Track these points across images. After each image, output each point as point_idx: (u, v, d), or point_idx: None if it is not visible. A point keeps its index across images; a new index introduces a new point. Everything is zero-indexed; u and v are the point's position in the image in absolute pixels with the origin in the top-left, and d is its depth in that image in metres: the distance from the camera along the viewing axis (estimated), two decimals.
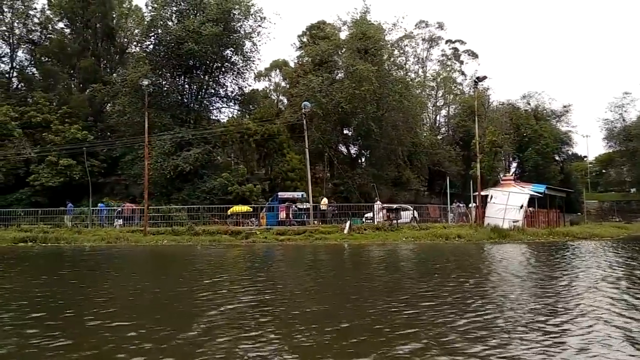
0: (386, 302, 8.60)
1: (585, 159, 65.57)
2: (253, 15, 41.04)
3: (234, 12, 40.02)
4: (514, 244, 23.67)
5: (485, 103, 46.99)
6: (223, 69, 42.08)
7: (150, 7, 40.40)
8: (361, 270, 14.37)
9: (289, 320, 7.24)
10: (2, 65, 41.37)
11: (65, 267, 15.89)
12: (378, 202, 30.43)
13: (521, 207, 29.55)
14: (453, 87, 57.52)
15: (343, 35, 42.08)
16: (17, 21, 41.05)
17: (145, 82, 29.54)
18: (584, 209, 46.71)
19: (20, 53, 41.61)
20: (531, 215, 31.61)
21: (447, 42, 59.36)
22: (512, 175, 52.53)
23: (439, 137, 53.43)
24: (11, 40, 40.78)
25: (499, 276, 12.22)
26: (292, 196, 30.81)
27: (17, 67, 41.97)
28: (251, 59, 42.34)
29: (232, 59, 41.88)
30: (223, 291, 9.96)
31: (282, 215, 28.78)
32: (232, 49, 41.00)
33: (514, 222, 28.32)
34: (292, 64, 49.98)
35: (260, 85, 57.72)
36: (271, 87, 58.40)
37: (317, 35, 43.42)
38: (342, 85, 37.30)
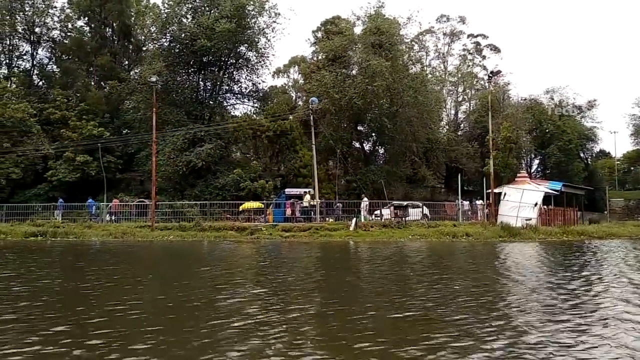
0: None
1: (609, 155, 63.26)
2: (267, 11, 41.17)
3: (248, 8, 40.11)
4: (523, 243, 22.95)
5: (500, 98, 45.73)
6: (237, 66, 42.27)
7: (166, 5, 40.90)
8: (342, 270, 14.12)
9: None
10: (23, 63, 42.48)
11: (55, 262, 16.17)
12: (365, 199, 29.79)
13: (535, 204, 28.67)
14: (474, 83, 56.31)
15: (357, 30, 41.59)
16: (37, 19, 41.99)
17: (154, 79, 29.86)
18: (608, 207, 45.09)
19: (40, 51, 42.66)
20: (546, 213, 30.65)
21: (468, 36, 58.02)
22: (533, 172, 51.62)
23: (459, 133, 52.40)
24: (32, 39, 41.76)
25: (456, 276, 11.89)
26: (299, 192, 30.63)
27: (38, 64, 43.01)
28: (265, 55, 42.52)
29: (246, 55, 42.07)
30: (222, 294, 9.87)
31: (288, 211, 28.71)
32: (246, 45, 41.15)
33: (527, 220, 27.50)
34: (309, 60, 49.81)
35: (279, 82, 57.92)
36: (290, 84, 58.52)
37: (331, 30, 43.05)
38: (355, 81, 36.87)
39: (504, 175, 34.72)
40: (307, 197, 29.49)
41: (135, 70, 43.52)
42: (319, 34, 46.40)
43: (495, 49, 58.47)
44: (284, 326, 6.63)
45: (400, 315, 7.37)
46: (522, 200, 28.61)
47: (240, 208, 31.10)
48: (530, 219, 27.76)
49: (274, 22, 41.56)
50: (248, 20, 40.35)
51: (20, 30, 41.21)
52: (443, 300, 8.47)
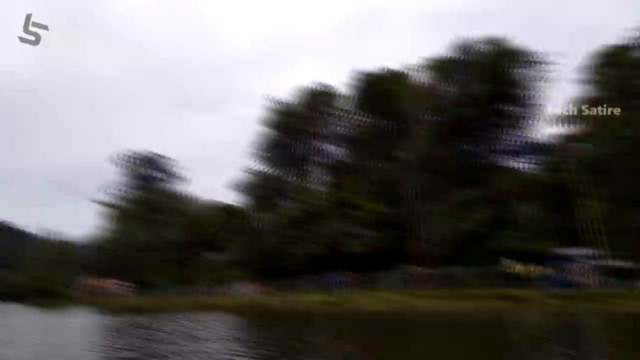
0: None
1: None
2: (530, 63, 39.32)
3: (510, 65, 39.26)
4: None
5: None
6: (505, 124, 40.88)
7: (428, 84, 43.62)
8: None
9: None
10: (317, 158, 51.06)
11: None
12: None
13: None
14: None
15: None
16: (333, 122, 50.70)
17: (413, 156, 31.71)
18: None
19: (330, 146, 50.72)
20: None
21: None
22: None
23: None
24: (324, 136, 50.43)
25: None
26: (576, 253, 26.33)
27: (328, 156, 50.90)
28: (535, 106, 40.06)
29: (513, 111, 40.40)
30: None
31: (566, 276, 24.85)
32: (511, 101, 39.78)
33: None
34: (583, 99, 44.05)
35: (560, 130, 52.71)
36: (573, 129, 52.35)
37: (609, 62, 37.34)
38: None
39: None
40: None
41: (405, 148, 46.81)
42: (594, 70, 40.73)
43: None
44: None
45: None
46: None
47: (509, 270, 28.78)
48: None
49: (541, 70, 39.25)
50: (510, 76, 39.31)
51: (315, 131, 50.37)
52: None
